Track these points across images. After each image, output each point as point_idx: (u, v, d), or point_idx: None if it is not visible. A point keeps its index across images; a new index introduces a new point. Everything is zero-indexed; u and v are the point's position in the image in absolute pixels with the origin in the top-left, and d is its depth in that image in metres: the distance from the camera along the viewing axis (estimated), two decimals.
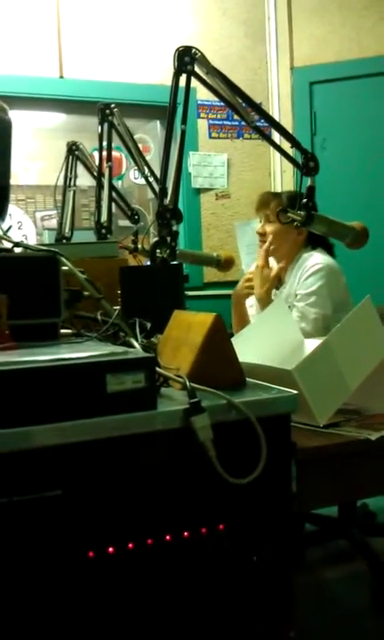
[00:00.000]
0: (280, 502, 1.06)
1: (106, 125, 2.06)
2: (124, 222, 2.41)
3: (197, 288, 3.65)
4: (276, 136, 1.95)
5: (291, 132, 1.86)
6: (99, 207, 2.08)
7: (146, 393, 0.93)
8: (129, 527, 0.96)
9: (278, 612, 1.08)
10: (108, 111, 2.04)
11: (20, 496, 0.88)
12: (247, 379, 1.13)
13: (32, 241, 3.61)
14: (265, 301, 2.15)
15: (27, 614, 0.91)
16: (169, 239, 1.56)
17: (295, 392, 1.06)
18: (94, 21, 3.53)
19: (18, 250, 1.25)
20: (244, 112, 1.69)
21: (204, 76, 1.62)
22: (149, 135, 4.01)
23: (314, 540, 2.48)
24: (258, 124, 1.73)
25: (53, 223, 3.61)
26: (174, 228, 1.57)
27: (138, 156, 2.03)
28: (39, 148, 3.90)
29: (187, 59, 1.54)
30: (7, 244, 1.24)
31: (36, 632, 0.92)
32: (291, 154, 1.76)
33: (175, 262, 1.57)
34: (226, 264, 2.28)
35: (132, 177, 4.03)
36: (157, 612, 0.99)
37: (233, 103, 1.67)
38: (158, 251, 1.56)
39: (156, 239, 1.57)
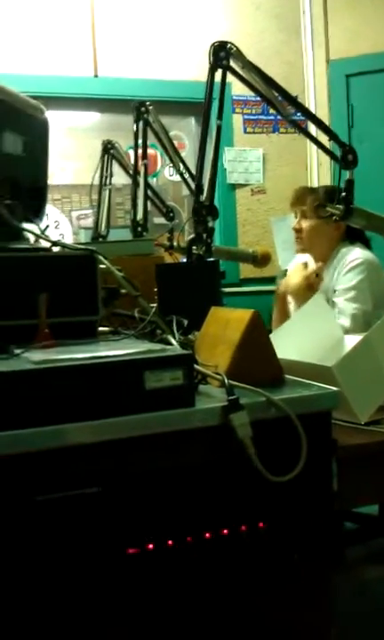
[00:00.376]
0: (320, 500, 1.05)
1: (141, 123, 2.06)
2: (160, 220, 2.41)
3: (234, 284, 3.63)
4: (312, 129, 1.92)
5: (327, 125, 1.83)
6: (134, 205, 2.08)
7: (184, 390, 0.93)
8: (168, 525, 0.96)
9: (318, 611, 1.07)
10: (143, 109, 2.04)
11: (59, 493, 0.89)
12: (286, 375, 1.12)
13: (68, 240, 3.65)
14: (302, 298, 2.12)
15: (66, 610, 0.92)
16: (205, 236, 1.55)
17: (336, 389, 1.04)
18: (128, 19, 3.54)
19: (56, 249, 1.26)
20: (280, 106, 1.67)
21: (240, 71, 1.60)
22: (184, 132, 4.00)
23: (354, 538, 2.45)
24: (294, 117, 1.71)
25: (89, 222, 3.64)
26: (210, 224, 1.56)
27: (173, 153, 2.03)
28: (74, 148, 3.93)
29: (222, 54, 1.53)
30: (45, 244, 1.25)
31: (76, 627, 0.93)
32: (328, 147, 1.73)
33: (211, 259, 1.57)
34: (262, 260, 2.27)
35: (166, 174, 4.03)
36: (196, 608, 0.99)
37: (269, 97, 1.65)
38: (194, 247, 1.56)
39: (191, 236, 1.57)
